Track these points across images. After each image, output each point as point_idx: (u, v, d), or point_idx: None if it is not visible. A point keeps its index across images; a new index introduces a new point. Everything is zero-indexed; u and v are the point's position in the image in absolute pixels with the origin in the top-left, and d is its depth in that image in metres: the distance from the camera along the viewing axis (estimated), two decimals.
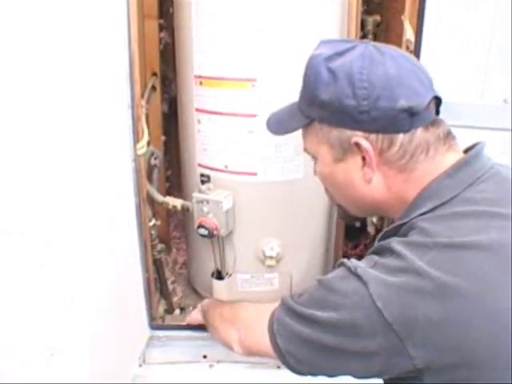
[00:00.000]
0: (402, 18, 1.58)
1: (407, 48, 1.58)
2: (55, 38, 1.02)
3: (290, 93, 1.50)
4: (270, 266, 1.75)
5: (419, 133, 0.88)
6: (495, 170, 0.89)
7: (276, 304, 1.00)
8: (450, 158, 0.90)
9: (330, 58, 0.91)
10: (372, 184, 0.93)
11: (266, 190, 1.67)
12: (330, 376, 0.91)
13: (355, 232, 2.25)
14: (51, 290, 1.07)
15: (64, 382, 1.13)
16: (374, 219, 1.87)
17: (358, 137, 0.89)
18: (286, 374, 0.99)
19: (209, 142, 1.67)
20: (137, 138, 1.47)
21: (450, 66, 1.53)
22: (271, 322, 0.96)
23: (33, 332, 1.03)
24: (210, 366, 1.72)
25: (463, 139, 1.52)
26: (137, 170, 1.48)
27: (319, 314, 0.85)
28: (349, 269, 0.85)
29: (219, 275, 1.82)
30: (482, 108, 1.55)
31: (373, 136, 0.88)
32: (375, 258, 0.85)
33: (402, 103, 0.85)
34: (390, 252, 0.83)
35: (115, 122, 1.36)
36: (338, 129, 0.92)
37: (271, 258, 1.73)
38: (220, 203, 1.63)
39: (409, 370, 0.78)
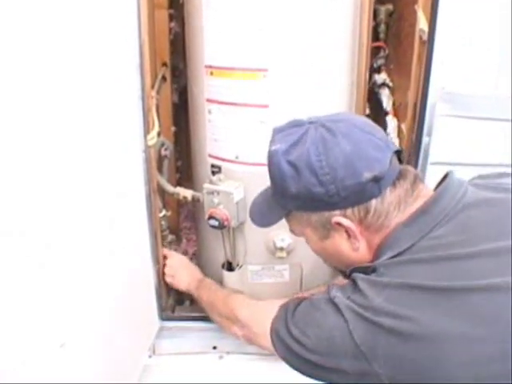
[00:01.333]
0: (416, 7, 1.56)
1: (420, 38, 1.56)
2: (66, 29, 1.01)
3: (301, 83, 1.50)
4: (280, 258, 1.74)
5: (388, 192, 0.94)
6: (462, 204, 0.94)
7: (266, 303, 1.19)
8: (417, 205, 0.96)
9: (287, 152, 0.96)
10: (359, 250, 1.01)
11: None
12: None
13: None
14: (62, 282, 1.07)
15: (75, 372, 1.14)
16: None
17: (337, 216, 0.96)
18: None
19: (219, 132, 1.66)
20: (147, 129, 1.46)
21: (463, 57, 1.51)
22: (271, 330, 1.09)
23: (44, 324, 1.03)
24: (220, 357, 1.72)
25: (476, 131, 1.51)
26: (147, 161, 1.48)
27: (306, 330, 0.99)
28: (330, 297, 0.97)
29: (230, 267, 1.82)
30: (496, 99, 1.53)
31: (349, 211, 0.95)
32: (348, 292, 0.96)
33: (366, 175, 0.90)
34: (357, 288, 0.93)
35: (126, 112, 1.35)
36: (315, 213, 0.99)
37: (282, 249, 1.72)
38: (231, 194, 1.62)
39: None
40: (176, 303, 1.95)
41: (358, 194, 0.92)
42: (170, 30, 2.03)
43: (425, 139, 1.59)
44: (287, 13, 1.48)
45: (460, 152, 1.53)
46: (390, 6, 1.89)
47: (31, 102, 0.93)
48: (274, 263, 1.79)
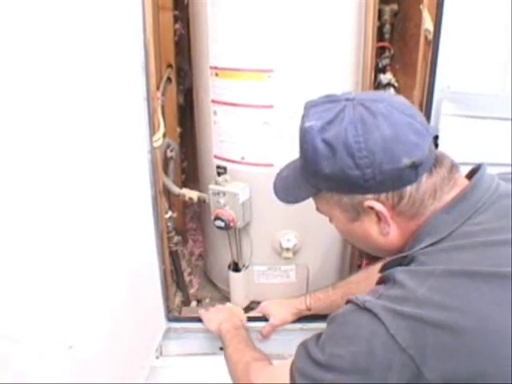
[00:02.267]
0: (421, 7, 1.55)
1: (426, 38, 1.55)
2: (72, 32, 1.02)
3: (306, 84, 1.50)
4: (286, 258, 1.74)
5: (424, 179, 0.90)
6: (497, 195, 0.91)
7: (285, 363, 0.99)
8: (453, 194, 0.92)
9: (322, 130, 0.90)
10: (389, 235, 0.96)
11: None
12: None
13: None
14: (69, 284, 1.08)
15: (82, 373, 1.14)
16: None
17: (370, 200, 0.91)
18: None
19: (225, 133, 1.66)
20: (153, 130, 1.46)
21: (469, 56, 1.50)
22: (292, 375, 0.94)
23: (52, 325, 1.03)
24: None
25: (482, 130, 1.51)
26: (153, 162, 1.48)
27: (337, 351, 0.87)
28: (357, 305, 0.87)
29: (236, 267, 1.82)
30: (501, 99, 1.52)
31: (383, 196, 0.91)
32: (380, 289, 0.88)
33: (405, 161, 0.86)
34: (393, 282, 0.87)
35: (131, 114, 1.35)
36: (347, 196, 0.94)
37: (288, 249, 1.72)
38: (236, 195, 1.62)
39: None
40: (182, 304, 1.96)
41: (395, 180, 0.89)
42: (175, 31, 2.03)
43: None
44: (292, 14, 1.48)
45: (466, 151, 1.52)
46: (394, 6, 1.89)
47: (36, 104, 0.93)
48: (280, 264, 1.79)
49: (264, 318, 1.65)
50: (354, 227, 0.99)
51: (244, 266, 1.81)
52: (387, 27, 1.91)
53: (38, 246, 0.97)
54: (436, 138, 0.97)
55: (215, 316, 1.62)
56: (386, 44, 1.94)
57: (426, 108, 1.56)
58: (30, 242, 0.95)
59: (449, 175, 0.92)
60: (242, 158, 1.66)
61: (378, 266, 1.42)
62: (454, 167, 0.94)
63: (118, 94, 1.25)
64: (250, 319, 1.58)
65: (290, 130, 1.57)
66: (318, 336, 0.94)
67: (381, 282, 0.92)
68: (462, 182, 0.94)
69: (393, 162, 0.86)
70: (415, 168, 0.87)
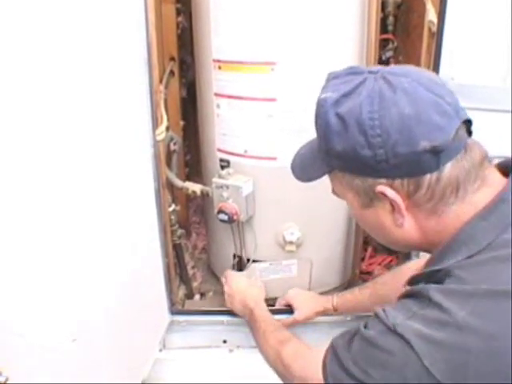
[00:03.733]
0: None
1: (429, 30, 1.55)
2: (74, 26, 1.01)
3: (310, 76, 1.49)
4: (290, 252, 1.74)
5: (448, 168, 0.79)
6: None
7: (320, 349, 0.94)
8: (482, 196, 0.82)
9: (337, 103, 0.83)
10: (404, 227, 0.87)
11: (285, 174, 1.64)
12: None
13: None
14: (72, 278, 1.08)
15: (86, 366, 1.14)
16: None
17: (382, 185, 0.83)
18: None
19: (228, 126, 1.66)
20: (156, 124, 1.46)
21: (472, 48, 1.49)
22: (325, 374, 0.90)
23: (55, 319, 1.03)
24: (230, 350, 1.72)
25: (486, 123, 1.50)
26: (156, 156, 1.48)
27: (370, 371, 0.80)
28: (386, 325, 0.79)
29: (239, 263, 1.82)
30: (505, 91, 1.51)
31: (397, 182, 0.81)
32: (413, 307, 0.79)
33: (424, 145, 0.76)
34: (428, 301, 0.77)
35: (134, 108, 1.35)
36: (359, 178, 0.85)
37: (291, 243, 1.72)
38: (240, 188, 1.62)
39: None
40: (186, 297, 1.96)
41: (411, 165, 0.79)
42: (178, 24, 2.03)
43: None
44: (295, 6, 1.47)
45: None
46: None
47: (38, 99, 0.93)
48: (284, 258, 1.79)
49: (285, 311, 1.64)
50: (366, 214, 0.91)
51: (248, 259, 1.81)
52: (390, 19, 1.91)
53: (41, 241, 0.97)
54: (469, 122, 0.84)
55: (235, 303, 1.61)
56: (389, 36, 1.94)
57: None
58: (34, 237, 0.95)
59: (476, 171, 0.81)
60: (246, 151, 1.65)
61: (405, 267, 1.39)
62: (485, 161, 0.83)
63: (120, 87, 1.25)
64: (273, 312, 1.56)
65: (294, 123, 1.57)
66: (349, 341, 0.87)
67: (410, 295, 0.83)
68: (493, 181, 0.83)
69: (409, 144, 0.77)
70: (436, 154, 0.77)
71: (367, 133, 0.79)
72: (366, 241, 2.14)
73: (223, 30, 1.55)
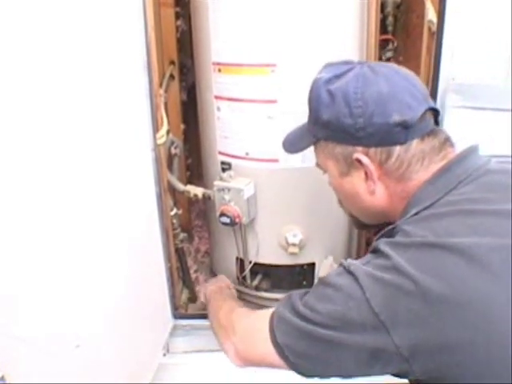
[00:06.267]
0: None
1: (429, 29, 1.54)
2: (73, 30, 1.01)
3: (309, 78, 1.48)
4: (292, 254, 1.73)
5: (415, 144, 0.95)
6: (485, 169, 0.93)
7: (269, 310, 1.03)
8: (440, 166, 0.96)
9: (329, 81, 0.99)
10: (376, 195, 1.01)
11: (287, 176, 1.66)
12: (332, 376, 0.94)
13: None
14: (74, 283, 1.08)
15: (90, 372, 1.14)
16: None
17: (359, 152, 0.97)
18: None
19: (229, 129, 1.66)
20: (156, 128, 1.46)
21: (473, 47, 1.49)
22: (272, 319, 0.99)
23: (58, 324, 1.03)
24: None
25: (487, 122, 1.49)
26: (157, 160, 1.48)
27: (317, 307, 0.90)
28: (344, 267, 0.90)
29: (242, 264, 1.82)
30: (506, 90, 1.51)
31: (372, 150, 0.96)
32: (369, 258, 0.91)
33: (395, 118, 0.92)
34: (380, 252, 0.89)
35: (134, 111, 1.35)
36: (340, 145, 1.00)
37: (294, 245, 1.72)
38: (241, 191, 1.62)
39: (399, 361, 0.82)
40: (189, 301, 1.96)
41: (384, 135, 0.94)
42: (177, 27, 2.03)
43: None
44: (294, 7, 1.47)
45: (470, 143, 1.51)
46: None
47: (38, 102, 0.93)
48: (287, 260, 1.79)
49: None
50: (344, 183, 1.05)
51: (250, 262, 1.80)
52: (390, 19, 1.91)
53: (44, 245, 0.97)
54: (437, 113, 1.00)
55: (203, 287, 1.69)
56: (389, 36, 1.94)
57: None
58: (36, 240, 0.95)
59: (440, 146, 0.97)
60: (247, 154, 1.65)
61: None
62: (447, 141, 0.99)
63: (120, 91, 1.25)
64: None
65: (295, 124, 1.57)
66: (305, 293, 0.97)
67: (371, 252, 0.94)
68: (452, 157, 0.97)
69: (384, 115, 0.92)
70: (405, 128, 0.93)
71: (351, 104, 0.94)
72: (369, 242, 2.13)
73: (222, 32, 1.55)
